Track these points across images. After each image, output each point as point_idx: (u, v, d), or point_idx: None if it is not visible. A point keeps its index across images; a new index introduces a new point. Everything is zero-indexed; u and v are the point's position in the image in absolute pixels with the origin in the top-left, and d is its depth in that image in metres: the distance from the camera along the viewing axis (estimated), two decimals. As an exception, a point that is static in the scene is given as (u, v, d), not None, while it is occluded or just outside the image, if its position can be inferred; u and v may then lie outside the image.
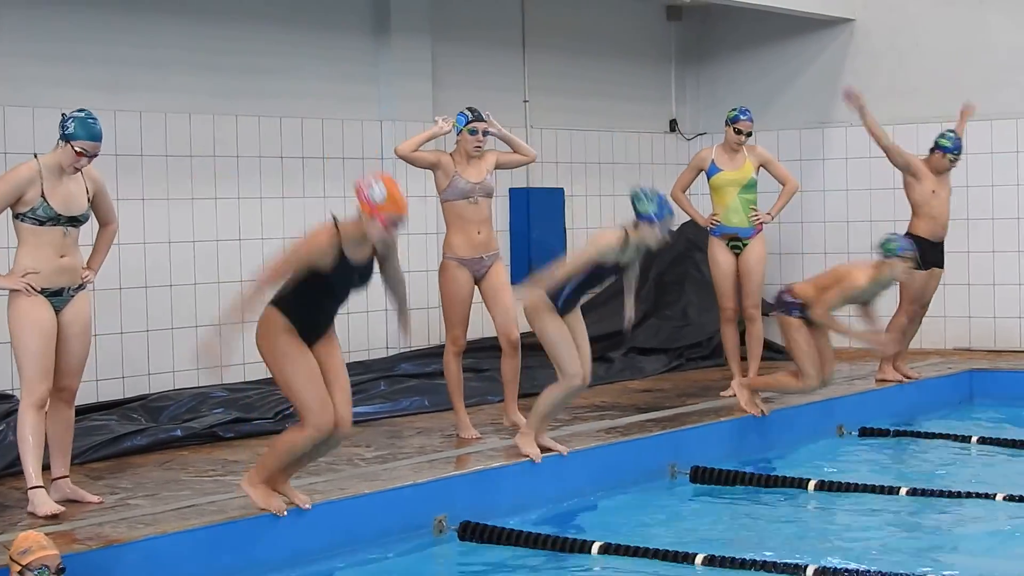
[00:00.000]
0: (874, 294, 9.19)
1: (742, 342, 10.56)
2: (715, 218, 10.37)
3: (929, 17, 13.13)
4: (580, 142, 12.99)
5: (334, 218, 6.54)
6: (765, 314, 10.51)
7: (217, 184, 10.13)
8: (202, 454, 8.57)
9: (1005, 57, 12.80)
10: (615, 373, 11.70)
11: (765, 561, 6.65)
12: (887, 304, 10.12)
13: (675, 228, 9.02)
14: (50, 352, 6.89)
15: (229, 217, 10.21)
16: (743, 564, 6.65)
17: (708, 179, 10.44)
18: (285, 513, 6.72)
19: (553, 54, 12.74)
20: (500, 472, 7.91)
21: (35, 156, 6.97)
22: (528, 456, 8.01)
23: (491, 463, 8.01)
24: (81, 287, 7.05)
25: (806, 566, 6.53)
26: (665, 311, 12.87)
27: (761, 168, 10.45)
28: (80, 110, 6.97)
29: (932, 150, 10.77)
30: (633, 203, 7.77)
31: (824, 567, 6.50)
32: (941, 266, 10.93)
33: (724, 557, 6.74)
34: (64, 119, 6.92)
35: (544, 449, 8.13)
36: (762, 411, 9.50)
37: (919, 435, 9.97)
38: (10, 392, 8.46)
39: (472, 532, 7.23)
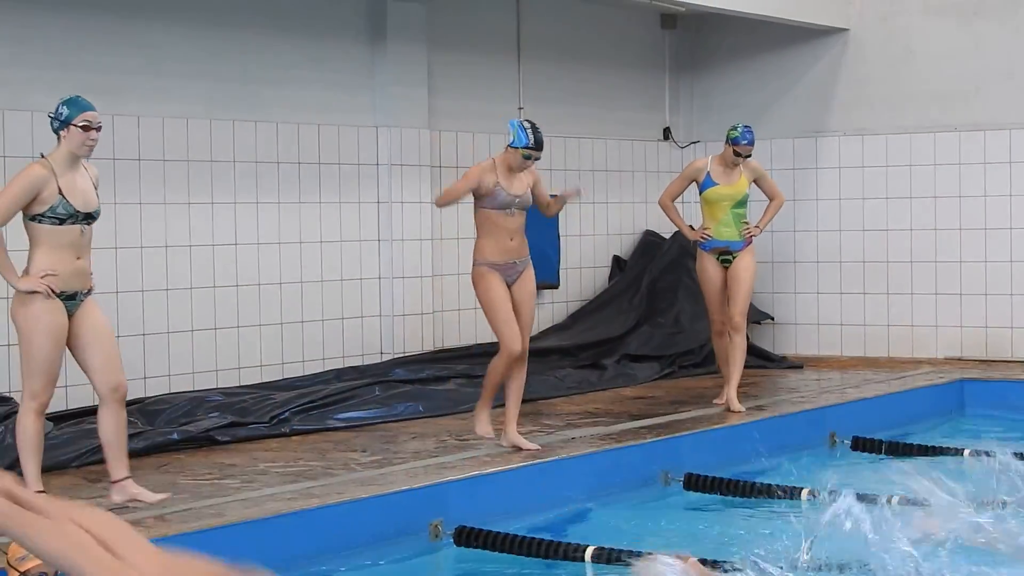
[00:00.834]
0: None
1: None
2: (707, 232, 10.21)
3: (922, 27, 13.15)
4: (574, 149, 13.02)
5: None
6: (755, 322, 10.54)
7: (214, 190, 10.17)
8: (198, 458, 8.60)
9: (998, 67, 12.85)
10: (608, 380, 11.70)
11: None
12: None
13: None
14: (59, 360, 6.81)
15: (226, 222, 10.24)
16: (735, 570, 6.69)
17: (701, 192, 10.28)
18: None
19: (548, 62, 12.77)
20: (495, 477, 7.96)
21: (42, 155, 6.94)
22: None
23: (486, 468, 8.06)
24: (90, 292, 7.00)
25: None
26: (658, 318, 12.88)
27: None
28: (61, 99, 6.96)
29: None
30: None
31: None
32: None
33: (716, 562, 6.78)
34: (52, 114, 6.90)
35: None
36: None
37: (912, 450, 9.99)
38: (8, 395, 8.47)
39: (467, 537, 7.26)
